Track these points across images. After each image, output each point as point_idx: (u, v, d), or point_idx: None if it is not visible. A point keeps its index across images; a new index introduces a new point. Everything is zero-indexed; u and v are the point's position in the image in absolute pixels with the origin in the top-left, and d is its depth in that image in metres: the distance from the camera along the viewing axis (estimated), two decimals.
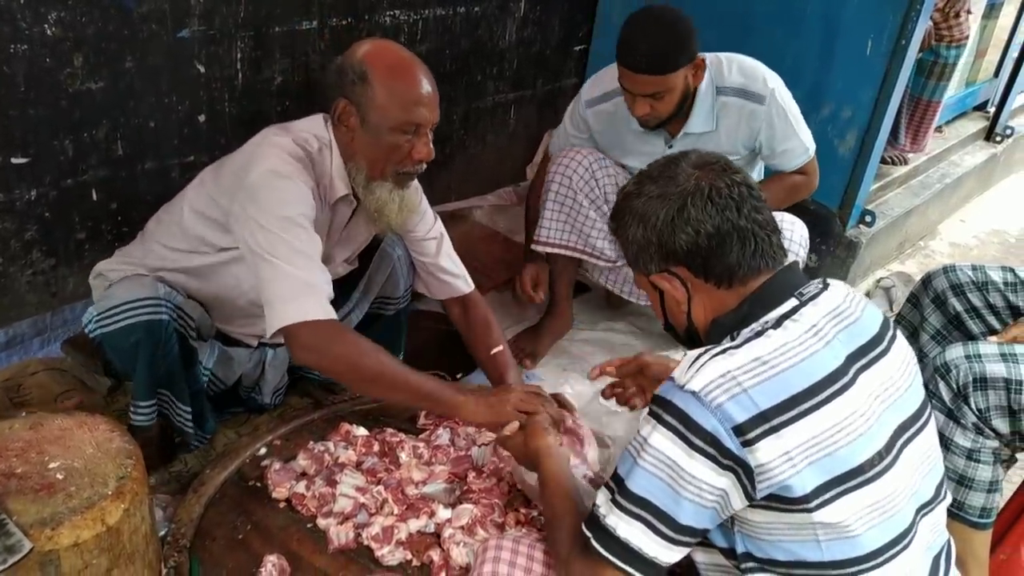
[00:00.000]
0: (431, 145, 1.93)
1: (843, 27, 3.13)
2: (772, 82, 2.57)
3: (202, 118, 2.57)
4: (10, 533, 1.41)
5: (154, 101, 2.44)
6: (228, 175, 1.92)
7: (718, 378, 1.25)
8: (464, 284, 2.28)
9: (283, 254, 1.77)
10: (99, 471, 1.58)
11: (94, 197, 2.43)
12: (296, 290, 1.76)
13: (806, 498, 1.24)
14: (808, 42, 3.22)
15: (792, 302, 1.35)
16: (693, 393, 1.25)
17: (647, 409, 1.33)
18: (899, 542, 1.31)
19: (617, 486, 1.32)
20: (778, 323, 1.32)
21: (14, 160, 2.23)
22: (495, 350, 2.19)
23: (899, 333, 1.44)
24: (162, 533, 1.83)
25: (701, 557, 1.44)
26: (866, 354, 1.34)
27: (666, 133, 2.63)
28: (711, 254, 1.37)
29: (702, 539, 1.38)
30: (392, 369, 1.83)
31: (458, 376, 2.62)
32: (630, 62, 2.37)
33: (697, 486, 1.25)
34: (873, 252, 3.73)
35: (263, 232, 1.78)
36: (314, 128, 1.97)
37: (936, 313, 2.27)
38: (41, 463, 1.58)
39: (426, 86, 1.89)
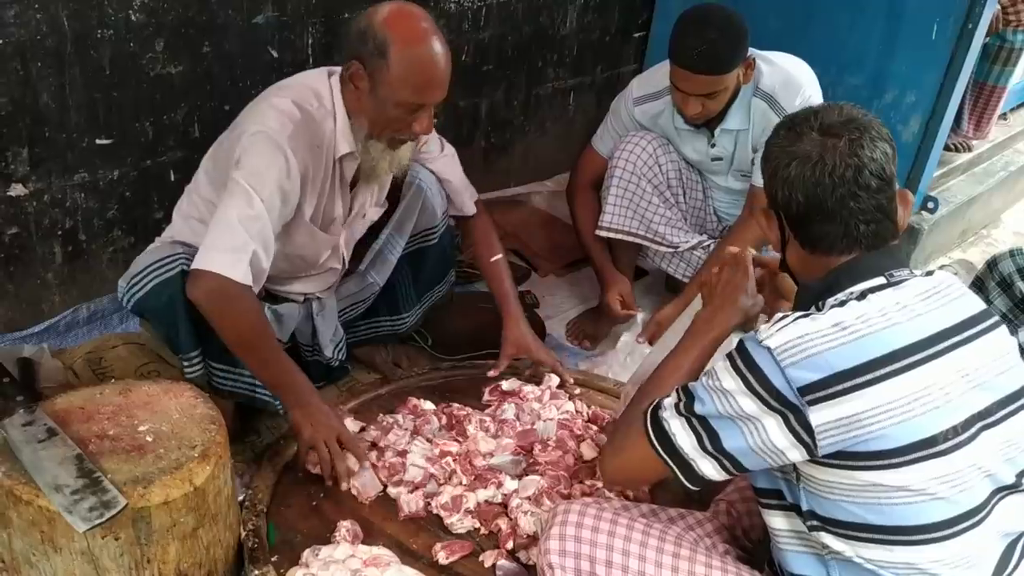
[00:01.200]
0: (432, 120, 1.96)
1: (908, 11, 3.09)
2: (805, 98, 2.52)
3: None
4: (106, 489, 1.49)
5: (229, 85, 2.52)
6: (230, 138, 1.96)
7: (795, 339, 1.31)
8: (470, 200, 2.42)
9: (233, 211, 1.82)
10: (185, 435, 1.66)
11: (171, 178, 2.52)
12: (221, 244, 1.81)
13: (872, 456, 1.27)
14: (872, 26, 3.18)
15: (880, 280, 1.38)
16: (768, 349, 1.32)
17: (728, 353, 1.41)
18: (967, 519, 1.32)
19: (685, 398, 1.43)
20: (862, 295, 1.36)
21: (98, 141, 2.33)
22: (494, 258, 2.38)
23: (1002, 325, 1.43)
24: (240, 499, 1.91)
25: (779, 523, 1.47)
26: (959, 333, 1.35)
27: (708, 132, 2.66)
28: (800, 219, 1.43)
29: (772, 497, 1.45)
30: (258, 352, 1.89)
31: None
32: (686, 62, 2.38)
33: (751, 422, 1.34)
34: (935, 239, 3.69)
35: (232, 183, 1.84)
36: (315, 84, 1.99)
37: (1002, 296, 2.25)
38: (131, 426, 1.67)
39: (441, 69, 1.89)
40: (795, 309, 1.45)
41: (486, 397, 2.25)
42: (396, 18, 1.87)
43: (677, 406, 1.44)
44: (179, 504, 1.56)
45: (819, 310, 1.37)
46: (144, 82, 2.34)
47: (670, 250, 2.80)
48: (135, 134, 2.39)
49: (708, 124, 2.63)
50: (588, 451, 2.04)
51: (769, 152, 1.47)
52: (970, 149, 4.25)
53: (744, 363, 1.35)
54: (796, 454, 1.32)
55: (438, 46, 1.88)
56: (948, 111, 3.17)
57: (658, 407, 1.47)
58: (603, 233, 2.80)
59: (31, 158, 2.24)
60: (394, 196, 2.32)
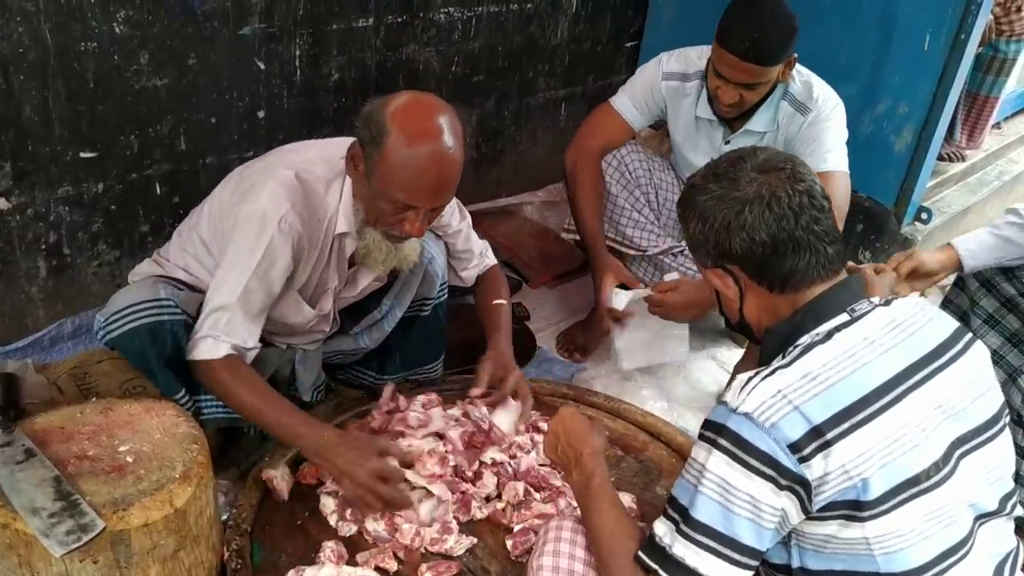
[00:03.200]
0: (424, 225, 1.83)
1: (900, 21, 3.09)
2: (826, 100, 2.51)
3: (261, 114, 2.62)
4: (84, 512, 1.46)
5: (216, 97, 2.50)
6: (238, 192, 1.91)
7: (769, 398, 1.26)
8: (490, 257, 2.38)
9: (221, 298, 1.85)
10: (166, 455, 1.63)
11: (157, 191, 2.50)
12: (204, 330, 1.85)
13: (861, 506, 1.24)
14: (864, 36, 3.17)
15: (843, 317, 1.36)
16: (746, 415, 1.26)
17: (699, 434, 1.35)
18: (956, 551, 1.31)
19: (681, 516, 1.32)
20: (828, 336, 1.33)
21: (83, 154, 2.31)
22: (497, 301, 2.30)
23: (977, 344, 1.41)
24: (224, 517, 1.88)
25: None
26: (928, 364, 1.33)
27: (726, 128, 2.61)
28: (765, 261, 1.37)
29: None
30: (253, 408, 1.87)
31: None
32: (737, 48, 2.31)
33: (756, 506, 1.26)
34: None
35: (226, 265, 1.85)
36: (334, 153, 1.91)
37: (987, 297, 2.23)
38: (112, 446, 1.64)
39: (436, 175, 1.75)
40: (761, 355, 1.43)
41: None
42: (405, 110, 1.74)
43: (678, 530, 1.32)
44: (159, 526, 1.54)
45: (783, 357, 1.34)
46: (129, 95, 2.32)
47: (638, 253, 2.73)
48: (120, 147, 2.37)
49: (730, 121, 2.58)
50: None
51: (704, 209, 1.40)
52: (964, 159, 4.25)
53: (724, 437, 1.28)
54: (795, 516, 1.28)
55: (442, 149, 1.73)
56: (941, 121, 3.17)
57: (652, 544, 1.35)
58: (569, 236, 2.77)
59: (14, 172, 2.21)
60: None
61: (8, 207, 2.24)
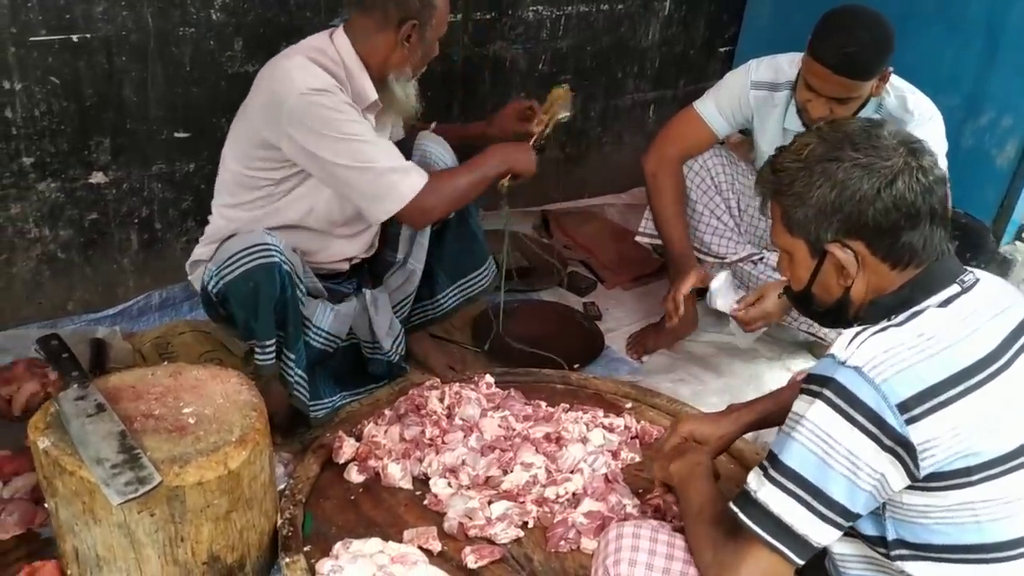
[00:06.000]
0: None
1: (1008, 30, 2.94)
2: (922, 112, 2.40)
3: None
4: (144, 466, 1.54)
5: None
6: (259, 110, 2.00)
7: (881, 353, 1.24)
8: None
9: (370, 154, 1.97)
10: (226, 419, 1.70)
11: None
12: (396, 177, 2.00)
13: (969, 471, 1.22)
14: (969, 45, 3.04)
15: (955, 288, 1.33)
16: (856, 368, 1.23)
17: (800, 389, 1.31)
18: None
19: (771, 463, 1.30)
20: (943, 303, 1.30)
21: (176, 134, 2.43)
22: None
23: None
24: (281, 487, 1.94)
25: (840, 548, 1.39)
26: (1020, 335, 1.31)
27: None
28: (901, 233, 1.32)
29: (850, 528, 1.34)
30: (467, 183, 2.12)
31: (575, 367, 2.64)
32: (830, 60, 2.22)
33: (855, 463, 1.23)
34: None
35: (339, 143, 1.95)
36: (318, 44, 2.05)
37: None
38: (176, 407, 1.72)
39: None
40: (862, 322, 1.37)
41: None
42: None
43: (766, 475, 1.30)
44: (213, 486, 1.60)
45: (891, 319, 1.31)
46: (222, 79, 2.43)
47: (716, 261, 2.67)
48: (212, 129, 2.47)
49: None
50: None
51: (845, 176, 1.32)
52: None
53: (830, 389, 1.25)
54: (898, 482, 1.24)
55: None
56: None
57: (745, 495, 1.32)
58: (644, 240, 2.73)
59: (112, 148, 2.35)
60: None
61: (106, 181, 2.37)
